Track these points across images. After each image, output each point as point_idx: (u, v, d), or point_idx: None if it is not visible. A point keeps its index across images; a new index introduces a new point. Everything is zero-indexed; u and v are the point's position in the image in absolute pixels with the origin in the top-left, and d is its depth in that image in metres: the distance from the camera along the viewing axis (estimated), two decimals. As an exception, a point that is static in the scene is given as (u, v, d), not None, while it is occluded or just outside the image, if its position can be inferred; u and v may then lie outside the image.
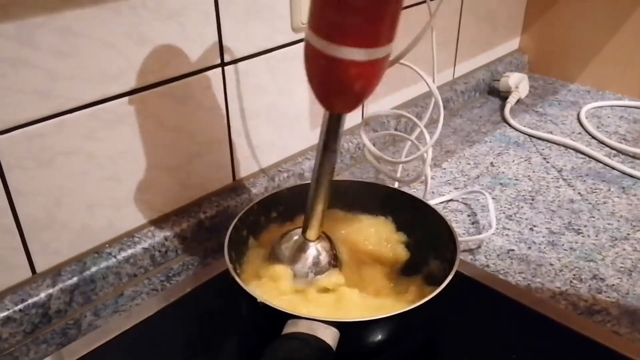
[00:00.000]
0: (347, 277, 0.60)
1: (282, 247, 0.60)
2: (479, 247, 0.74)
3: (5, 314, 0.58)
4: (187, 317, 0.63)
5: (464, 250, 0.73)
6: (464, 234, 0.76)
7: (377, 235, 0.67)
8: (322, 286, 0.58)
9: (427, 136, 0.71)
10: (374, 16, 0.45)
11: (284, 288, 0.57)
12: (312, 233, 0.59)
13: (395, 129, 0.98)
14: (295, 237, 0.60)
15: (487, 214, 0.79)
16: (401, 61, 0.60)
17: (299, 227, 0.60)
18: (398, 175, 0.84)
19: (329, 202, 0.66)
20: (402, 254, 0.65)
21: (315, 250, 0.59)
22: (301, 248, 0.59)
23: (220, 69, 0.69)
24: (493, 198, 0.83)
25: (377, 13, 0.45)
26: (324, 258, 0.59)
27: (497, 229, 0.77)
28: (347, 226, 0.68)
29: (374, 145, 0.95)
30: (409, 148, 0.91)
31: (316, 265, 0.59)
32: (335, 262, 0.60)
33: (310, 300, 0.57)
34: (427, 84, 0.68)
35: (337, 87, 0.48)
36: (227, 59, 0.70)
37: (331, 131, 0.53)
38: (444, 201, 0.83)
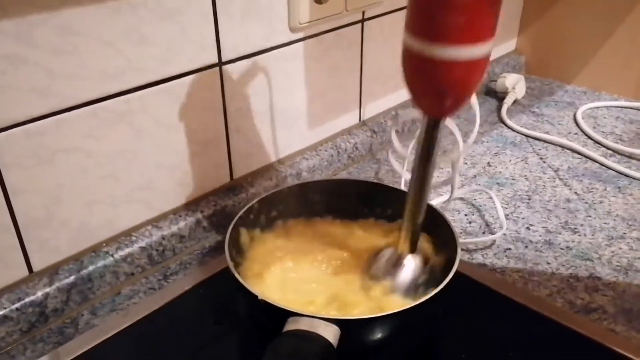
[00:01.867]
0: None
1: (378, 263, 0.59)
2: (492, 245, 0.74)
3: (2, 312, 0.57)
4: (185, 316, 0.63)
5: (462, 249, 0.73)
6: (461, 233, 0.76)
7: (377, 235, 0.67)
8: None
9: (461, 143, 0.70)
10: (477, 13, 0.43)
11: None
12: (408, 246, 0.57)
13: (396, 131, 0.98)
14: (388, 255, 0.59)
15: (485, 213, 0.80)
16: None
17: (390, 245, 0.60)
18: (402, 180, 0.84)
19: (329, 208, 0.67)
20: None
21: (413, 264, 0.58)
22: (398, 263, 0.58)
23: (218, 68, 0.70)
24: (490, 197, 0.83)
25: (480, 9, 0.43)
26: (422, 273, 0.58)
27: (488, 224, 0.77)
28: (345, 230, 0.68)
29: (371, 146, 0.95)
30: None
31: (415, 280, 0.58)
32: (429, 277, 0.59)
33: None
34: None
35: (441, 88, 0.46)
36: (224, 58, 0.70)
37: (433, 137, 0.51)
38: (445, 201, 0.83)
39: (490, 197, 0.82)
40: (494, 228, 0.77)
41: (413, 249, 0.58)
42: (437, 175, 0.90)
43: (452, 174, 0.73)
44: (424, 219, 0.56)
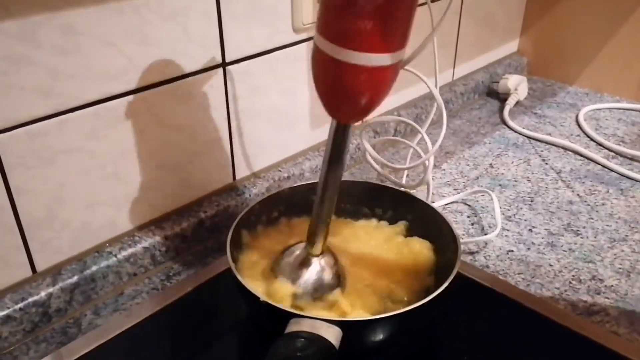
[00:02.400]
0: (350, 290, 0.58)
1: (283, 262, 0.58)
2: (485, 247, 0.74)
3: (5, 312, 0.58)
4: (188, 317, 0.63)
5: (465, 252, 0.73)
6: (463, 234, 0.76)
7: (378, 236, 0.67)
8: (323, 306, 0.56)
9: (429, 143, 0.71)
10: (385, 20, 0.43)
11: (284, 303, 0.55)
12: (317, 248, 0.56)
13: (396, 130, 0.98)
14: (298, 252, 0.58)
15: (487, 214, 0.80)
16: (405, 67, 0.58)
17: (302, 241, 0.58)
18: (403, 180, 0.84)
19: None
20: (408, 255, 0.65)
21: (318, 265, 0.56)
22: (304, 263, 0.56)
23: (221, 69, 0.70)
24: (492, 199, 0.83)
25: (388, 17, 0.43)
26: (328, 275, 0.57)
27: (491, 226, 0.77)
28: (347, 231, 0.68)
29: (374, 146, 0.95)
30: (412, 150, 0.90)
31: (319, 281, 0.56)
32: (338, 279, 0.57)
33: None
34: (430, 89, 0.67)
35: (346, 93, 0.46)
36: (228, 59, 0.70)
37: (338, 142, 0.51)
38: (447, 203, 0.83)
39: (492, 199, 0.82)
40: (495, 229, 0.77)
41: (319, 251, 0.56)
42: (440, 176, 0.90)
43: (426, 176, 0.72)
44: (330, 221, 0.55)
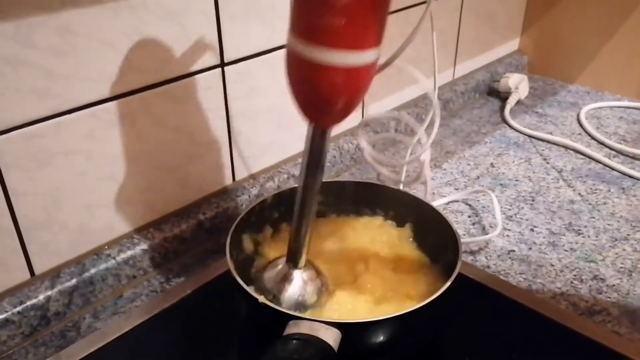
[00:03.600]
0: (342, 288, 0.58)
1: (265, 277, 0.55)
2: (486, 247, 0.74)
3: (3, 316, 0.57)
4: (187, 319, 0.63)
5: (466, 252, 0.73)
6: (464, 234, 0.76)
7: (379, 237, 0.67)
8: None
9: (424, 138, 0.71)
10: (359, 16, 0.41)
11: None
12: (298, 261, 0.54)
13: (396, 130, 0.98)
14: (279, 267, 0.56)
15: (487, 214, 0.79)
16: (401, 64, 0.57)
17: (283, 256, 0.56)
18: (402, 177, 0.83)
19: (330, 209, 0.65)
20: (408, 255, 0.65)
21: (300, 280, 0.55)
22: (286, 277, 0.54)
23: (220, 69, 0.69)
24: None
25: (361, 13, 0.41)
26: (310, 288, 0.55)
27: (492, 225, 0.77)
28: (346, 230, 0.68)
29: (374, 146, 0.95)
30: (411, 148, 0.90)
31: (302, 296, 0.54)
32: (321, 293, 0.56)
33: None
34: (423, 87, 0.67)
35: (323, 96, 0.44)
36: (227, 59, 0.69)
37: (317, 148, 0.49)
38: (448, 202, 0.83)
39: (492, 199, 0.82)
40: (495, 229, 0.76)
41: (299, 264, 0.54)
42: (441, 176, 0.89)
43: (421, 173, 0.72)
44: (311, 232, 0.53)
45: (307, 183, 0.51)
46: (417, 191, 0.76)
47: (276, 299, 0.53)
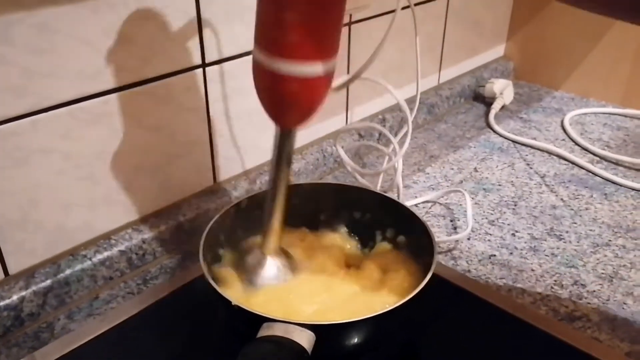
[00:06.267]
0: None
1: (245, 259, 0.60)
2: (455, 248, 0.74)
3: (-24, 316, 0.56)
4: (164, 321, 0.62)
5: (441, 252, 0.72)
6: (439, 237, 0.76)
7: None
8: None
9: (397, 148, 0.73)
10: (312, 31, 0.45)
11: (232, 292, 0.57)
12: (269, 247, 0.59)
13: (380, 134, 0.98)
14: (254, 253, 0.60)
15: (464, 216, 0.79)
16: (369, 77, 0.62)
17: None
18: (378, 185, 0.84)
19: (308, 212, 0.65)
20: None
21: (272, 264, 0.59)
22: (259, 262, 0.59)
23: (201, 69, 0.69)
24: (476, 203, 0.82)
25: (313, 28, 0.45)
26: (281, 273, 0.59)
27: (473, 230, 0.77)
28: (318, 237, 0.68)
29: (357, 150, 0.95)
30: (386, 159, 0.91)
31: (274, 279, 0.59)
32: (291, 276, 0.60)
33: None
34: (396, 98, 0.72)
35: (283, 102, 0.49)
36: (208, 60, 0.69)
37: (283, 146, 0.54)
38: (422, 202, 0.83)
39: (471, 198, 0.82)
40: (465, 229, 0.76)
41: (271, 251, 0.59)
42: (424, 180, 0.89)
43: (396, 179, 0.76)
44: (282, 221, 0.58)
45: (276, 177, 0.55)
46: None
47: (252, 283, 0.58)
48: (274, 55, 0.46)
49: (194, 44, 0.67)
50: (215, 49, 0.69)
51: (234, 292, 0.57)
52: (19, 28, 0.53)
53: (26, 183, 0.58)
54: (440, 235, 0.76)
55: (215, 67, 0.70)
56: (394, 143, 0.77)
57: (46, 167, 0.59)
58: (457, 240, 0.75)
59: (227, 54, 0.71)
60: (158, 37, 0.63)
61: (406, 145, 0.74)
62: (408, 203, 0.77)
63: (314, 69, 0.47)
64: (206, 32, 0.67)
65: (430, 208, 0.82)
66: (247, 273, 0.59)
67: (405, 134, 0.76)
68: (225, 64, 0.71)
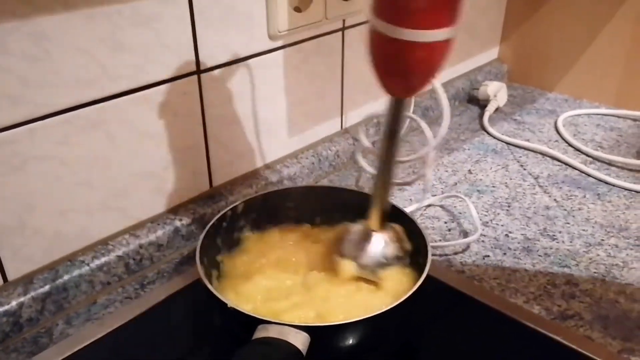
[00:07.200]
0: None
1: (346, 240, 0.61)
2: (461, 252, 0.74)
3: (-26, 322, 0.57)
4: (161, 326, 0.62)
5: (440, 255, 0.73)
6: (439, 240, 0.76)
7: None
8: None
9: (430, 136, 0.72)
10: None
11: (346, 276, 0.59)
12: (376, 223, 0.59)
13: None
14: (359, 229, 0.61)
15: (464, 220, 0.80)
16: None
17: (363, 220, 0.61)
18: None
19: (306, 215, 0.66)
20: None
21: (381, 240, 0.60)
22: (365, 238, 0.60)
23: (196, 76, 0.69)
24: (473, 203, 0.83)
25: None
26: (390, 250, 0.60)
27: (480, 232, 0.78)
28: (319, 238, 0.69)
29: (352, 153, 0.95)
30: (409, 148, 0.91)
31: (383, 255, 0.60)
32: (401, 254, 0.61)
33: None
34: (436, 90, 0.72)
35: (404, 70, 0.49)
36: (203, 66, 0.70)
37: (398, 117, 0.54)
38: (422, 207, 0.83)
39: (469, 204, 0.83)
40: (471, 233, 0.77)
41: (380, 226, 0.60)
42: (418, 182, 0.90)
43: (425, 170, 0.75)
44: (389, 196, 0.59)
45: (386, 149, 0.56)
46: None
47: (358, 259, 0.59)
48: (400, 24, 0.46)
49: (188, 51, 0.68)
50: (209, 55, 0.70)
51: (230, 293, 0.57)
52: (15, 37, 0.54)
53: (23, 189, 0.59)
54: (447, 238, 0.77)
55: (210, 73, 0.71)
56: (424, 129, 0.75)
57: (43, 174, 0.60)
58: (468, 243, 0.76)
59: (221, 60, 0.71)
60: (153, 44, 0.64)
61: (444, 130, 0.72)
62: (408, 208, 0.78)
63: (441, 34, 0.47)
64: (200, 39, 0.68)
65: (425, 210, 0.83)
66: (351, 250, 0.59)
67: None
68: (220, 70, 0.72)
